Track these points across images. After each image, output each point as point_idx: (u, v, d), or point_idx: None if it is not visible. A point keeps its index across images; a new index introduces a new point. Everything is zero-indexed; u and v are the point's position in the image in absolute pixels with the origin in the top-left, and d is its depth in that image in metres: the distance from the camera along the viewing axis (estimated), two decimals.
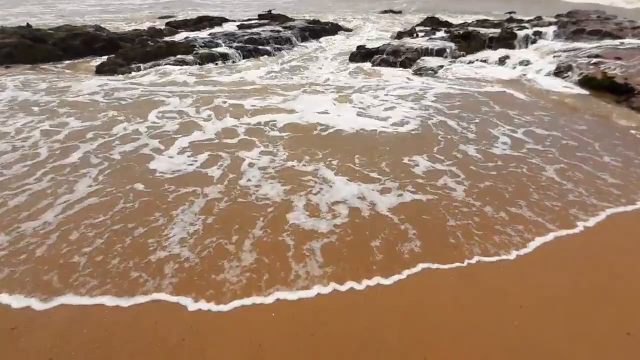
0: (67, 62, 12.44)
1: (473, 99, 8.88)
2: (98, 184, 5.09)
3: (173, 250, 3.95)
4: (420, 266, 3.73)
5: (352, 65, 12.38)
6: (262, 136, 6.52)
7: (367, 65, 12.26)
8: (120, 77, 10.68)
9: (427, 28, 17.66)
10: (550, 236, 4.20)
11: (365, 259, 3.81)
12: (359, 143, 6.31)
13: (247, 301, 3.33)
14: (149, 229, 4.21)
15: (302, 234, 4.13)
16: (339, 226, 4.24)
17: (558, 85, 9.92)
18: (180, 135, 6.44)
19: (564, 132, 7.00)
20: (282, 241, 4.02)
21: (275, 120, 7.19)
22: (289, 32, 16.34)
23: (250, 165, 5.49)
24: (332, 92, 9.23)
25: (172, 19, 20.77)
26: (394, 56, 12.39)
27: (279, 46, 14.99)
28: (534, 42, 13.76)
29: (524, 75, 10.79)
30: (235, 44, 14.07)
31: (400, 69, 11.83)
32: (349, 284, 3.50)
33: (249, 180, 5.10)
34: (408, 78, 10.84)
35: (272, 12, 22.24)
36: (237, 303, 3.30)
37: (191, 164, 5.47)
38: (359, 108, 8.01)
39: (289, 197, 4.75)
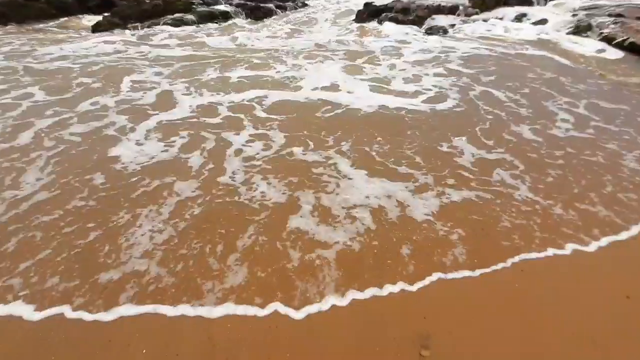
0: (62, 19, 11.91)
1: (509, 63, 7.42)
2: (49, 175, 3.98)
3: (137, 266, 2.88)
4: (462, 273, 2.79)
5: (359, 25, 11.40)
6: (254, 116, 5.20)
7: (374, 25, 11.27)
8: (112, 37, 9.44)
9: None
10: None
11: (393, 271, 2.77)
12: (380, 126, 4.92)
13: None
14: (106, 235, 3.14)
15: (309, 244, 3.01)
16: (361, 234, 3.11)
17: (590, 45, 8.71)
18: (155, 112, 5.18)
19: (634, 107, 5.59)
20: (283, 253, 2.91)
21: (270, 96, 5.82)
22: None
23: (238, 152, 4.25)
24: (341, 59, 7.76)
25: None
26: (403, 14, 11.43)
27: (282, 3, 13.41)
28: None
29: (544, 34, 9.72)
30: (235, 1, 12.98)
31: (410, 27, 10.84)
32: (371, 291, 2.65)
33: (234, 173, 3.89)
34: (421, 38, 9.52)
35: None
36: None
37: (165, 150, 4.26)
38: (375, 80, 6.58)
39: (292, 197, 3.57)
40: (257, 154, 4.21)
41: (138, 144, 4.36)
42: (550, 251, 2.97)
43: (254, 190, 3.62)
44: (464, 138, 4.51)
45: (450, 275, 2.75)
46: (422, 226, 3.21)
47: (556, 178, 3.84)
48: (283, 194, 3.58)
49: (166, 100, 5.58)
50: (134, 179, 3.84)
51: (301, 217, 3.30)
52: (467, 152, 4.21)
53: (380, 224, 3.22)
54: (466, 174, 3.86)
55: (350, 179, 3.77)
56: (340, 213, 3.35)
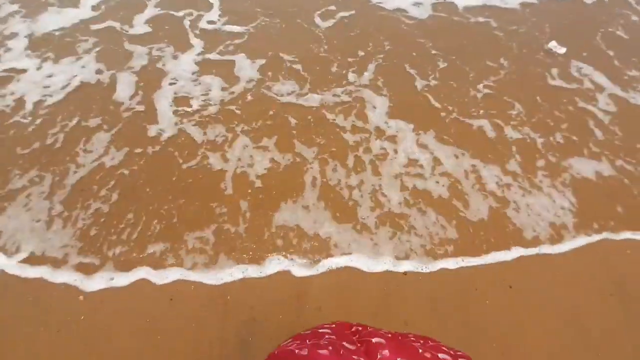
0: None
1: None
2: None
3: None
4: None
5: None
6: (203, 20, 3.03)
7: None
8: None
9: None
10: None
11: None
12: (438, 42, 2.83)
13: None
14: None
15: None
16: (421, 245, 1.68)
17: None
18: (61, 8, 3.18)
19: None
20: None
21: None
22: None
23: (181, 88, 2.46)
24: None
25: None
26: None
27: None
28: None
29: None
30: None
31: None
32: None
33: (176, 124, 2.19)
34: None
35: None
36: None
37: (67, 83, 2.53)
38: None
39: (281, 167, 1.98)
40: (211, 90, 2.39)
41: (38, 66, 2.61)
42: None
43: (219, 151, 2.03)
44: (592, 62, 2.62)
45: None
46: (521, 234, 1.66)
47: None
48: (253, 162, 1.98)
49: None
50: (35, 124, 2.25)
51: (298, 204, 1.78)
52: (599, 88, 2.41)
53: (455, 227, 1.69)
54: (600, 133, 2.14)
55: (387, 138, 2.09)
56: (368, 215, 1.78)
